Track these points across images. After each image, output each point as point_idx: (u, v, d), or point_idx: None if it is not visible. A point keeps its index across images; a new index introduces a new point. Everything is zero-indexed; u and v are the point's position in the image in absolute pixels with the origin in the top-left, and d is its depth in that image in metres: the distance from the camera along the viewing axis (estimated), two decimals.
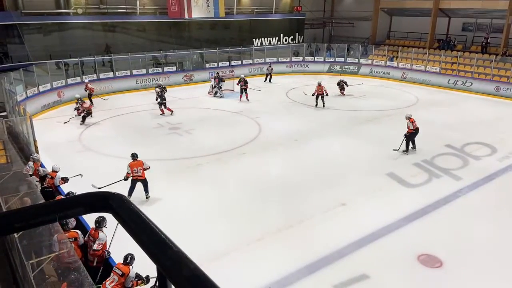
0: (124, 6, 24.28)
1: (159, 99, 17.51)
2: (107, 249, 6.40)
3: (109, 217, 1.49)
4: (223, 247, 7.97)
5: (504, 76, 21.52)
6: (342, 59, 28.02)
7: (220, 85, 21.51)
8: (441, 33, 26.95)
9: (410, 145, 12.99)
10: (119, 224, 1.32)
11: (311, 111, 18.47)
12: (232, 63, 26.32)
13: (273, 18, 30.23)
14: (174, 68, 24.40)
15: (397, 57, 26.25)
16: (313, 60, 28.43)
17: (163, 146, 13.78)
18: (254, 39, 29.15)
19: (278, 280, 7.05)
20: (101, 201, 1.44)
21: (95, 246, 6.19)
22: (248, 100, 19.81)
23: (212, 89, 21.63)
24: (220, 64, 25.85)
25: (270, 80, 24.67)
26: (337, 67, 27.82)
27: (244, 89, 19.92)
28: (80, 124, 15.87)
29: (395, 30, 30.07)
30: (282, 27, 30.30)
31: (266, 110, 18.43)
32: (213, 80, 22.02)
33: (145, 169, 9.60)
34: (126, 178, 9.56)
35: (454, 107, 19.16)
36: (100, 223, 6.38)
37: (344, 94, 21.26)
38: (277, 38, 30.12)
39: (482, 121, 16.76)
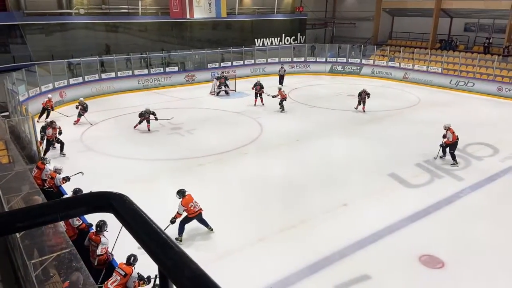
0: (126, 7, 24.31)
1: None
2: (110, 252, 6.39)
3: (111, 219, 1.49)
4: (225, 247, 7.97)
5: (506, 76, 21.47)
6: (344, 60, 28.00)
7: (226, 83, 21.58)
8: (443, 33, 26.89)
9: (446, 152, 12.25)
10: (122, 227, 1.32)
11: (313, 112, 18.45)
12: (234, 63, 26.34)
13: (275, 18, 30.22)
14: (176, 68, 24.43)
15: (398, 58, 26.21)
16: (315, 60, 28.41)
17: (164, 146, 13.79)
18: (255, 39, 29.15)
19: (280, 280, 7.05)
20: (103, 201, 1.45)
21: (98, 251, 6.16)
22: (263, 104, 19.05)
23: (216, 88, 21.67)
24: (222, 64, 25.87)
25: (282, 82, 23.35)
26: (339, 68, 27.80)
27: (259, 94, 19.08)
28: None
29: (397, 31, 30.02)
30: (283, 28, 30.29)
31: (267, 110, 18.42)
32: (215, 80, 22.03)
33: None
34: (173, 221, 8.02)
35: (456, 108, 19.10)
36: (101, 227, 6.33)
37: (365, 111, 17.74)
38: (278, 38, 30.11)
39: (484, 121, 16.71)
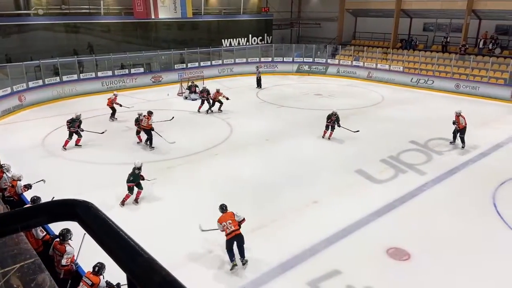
0: (87, 7, 23.56)
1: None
2: (74, 261, 6.16)
3: (76, 228, 1.44)
4: (197, 249, 7.90)
5: (463, 74, 22.54)
6: (310, 59, 28.45)
7: (196, 91, 21.33)
8: (403, 33, 27.87)
9: (456, 137, 13.74)
10: (86, 234, 1.28)
11: (281, 111, 18.63)
12: (201, 64, 26.14)
13: (241, 19, 30.25)
14: (142, 70, 23.95)
15: (362, 57, 26.93)
16: (282, 60, 28.70)
17: (132, 150, 13.48)
18: (223, 40, 29.06)
19: (253, 280, 7.07)
20: (67, 209, 1.39)
21: (63, 261, 5.91)
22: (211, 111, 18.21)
23: (184, 91, 21.44)
24: (189, 65, 25.62)
25: (260, 85, 23.18)
26: (306, 67, 28.22)
27: (206, 99, 18.16)
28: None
29: (360, 31, 30.82)
30: (250, 28, 30.38)
31: (236, 110, 18.42)
32: (186, 90, 21.73)
33: (239, 223, 7.39)
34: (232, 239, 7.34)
35: (418, 105, 19.86)
36: (64, 236, 6.07)
37: (330, 138, 14.52)
38: (245, 38, 30.16)
39: (444, 117, 17.38)
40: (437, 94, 22.34)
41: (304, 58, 28.62)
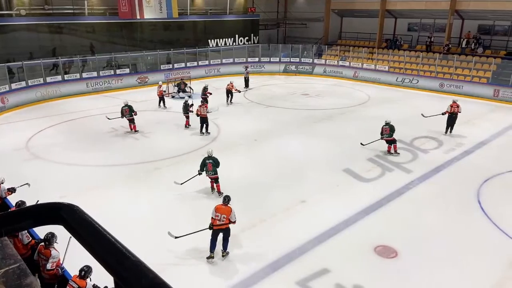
0: (71, 7, 23.21)
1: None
2: (60, 265, 6.05)
3: (62, 231, 1.41)
4: (186, 250, 7.86)
5: (447, 73, 22.92)
6: (297, 59, 28.58)
7: (185, 89, 21.28)
8: (388, 33, 28.20)
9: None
10: (71, 238, 1.26)
11: (269, 111, 18.65)
12: (188, 64, 26.02)
13: (228, 19, 30.19)
14: (127, 70, 23.70)
15: (348, 57, 27.16)
16: (269, 60, 28.75)
17: (118, 151, 13.33)
18: (209, 40, 28.96)
19: (243, 280, 7.06)
20: (52, 212, 1.37)
21: (48, 266, 5.79)
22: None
23: (174, 93, 21.38)
24: (176, 65, 25.47)
25: (247, 85, 23.13)
26: (293, 67, 28.32)
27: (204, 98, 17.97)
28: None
29: (346, 31, 31.07)
30: (237, 28, 30.34)
31: (224, 111, 18.37)
32: (173, 86, 21.68)
33: (230, 221, 7.49)
34: (211, 227, 7.50)
35: (403, 104, 20.12)
36: (49, 240, 5.96)
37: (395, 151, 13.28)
38: (232, 39, 30.12)
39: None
40: (422, 93, 22.67)
41: (291, 58, 28.74)
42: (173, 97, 21.06)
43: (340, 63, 27.21)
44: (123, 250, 1.09)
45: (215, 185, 10.24)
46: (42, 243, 6.10)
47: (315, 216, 9.23)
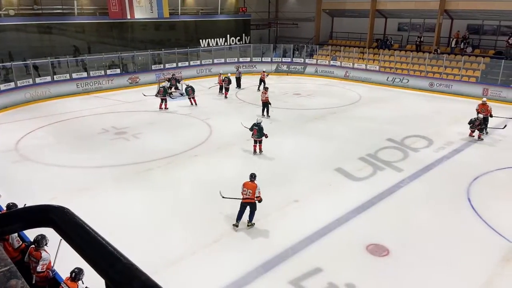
0: (61, 7, 22.97)
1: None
2: (51, 268, 5.98)
3: (53, 233, 1.40)
4: (179, 252, 7.83)
5: (437, 72, 23.15)
6: (289, 59, 28.64)
7: (176, 85, 21.28)
8: (379, 33, 28.39)
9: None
10: (62, 240, 1.24)
11: (261, 111, 18.62)
12: (179, 64, 25.91)
13: (219, 19, 30.14)
14: (118, 71, 23.53)
15: (339, 57, 27.29)
16: (260, 60, 28.76)
17: (109, 152, 13.23)
18: (200, 40, 28.88)
19: (236, 280, 7.05)
20: (41, 215, 1.36)
21: (39, 268, 5.73)
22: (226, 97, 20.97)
23: (170, 90, 21.35)
24: (167, 65, 25.35)
25: (239, 86, 23.20)
26: (284, 67, 28.37)
27: (227, 88, 21.02)
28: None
29: (337, 31, 31.22)
30: (228, 28, 30.30)
31: (216, 111, 18.35)
32: (166, 82, 21.57)
33: (256, 196, 8.41)
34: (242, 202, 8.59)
35: (394, 103, 20.28)
36: (39, 242, 5.88)
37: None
38: (223, 39, 30.07)
39: (419, 115, 17.90)
40: (412, 92, 22.87)
41: (283, 58, 28.79)
42: (170, 94, 21.10)
43: (331, 63, 27.33)
44: (114, 253, 1.08)
45: (257, 146, 12.79)
46: (33, 245, 6.03)
47: (308, 215, 9.26)
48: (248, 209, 8.56)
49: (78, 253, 1.17)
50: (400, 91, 23.17)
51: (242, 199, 8.52)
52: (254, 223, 8.68)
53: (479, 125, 14.13)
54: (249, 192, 8.42)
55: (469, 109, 18.89)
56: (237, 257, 7.71)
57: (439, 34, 24.77)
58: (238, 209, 8.56)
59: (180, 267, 7.43)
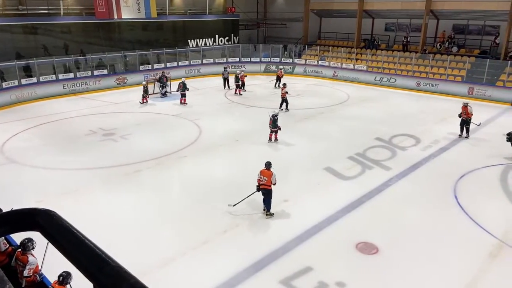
0: (46, 7, 22.64)
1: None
2: (39, 271, 5.89)
3: (40, 236, 1.38)
4: (169, 253, 7.79)
5: (423, 72, 23.45)
6: (278, 59, 28.71)
7: (166, 84, 21.24)
8: (366, 33, 28.63)
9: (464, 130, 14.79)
10: (49, 244, 1.22)
11: (250, 111, 18.67)
12: (168, 64, 25.77)
13: (207, 19, 30.05)
14: (106, 71, 23.28)
15: (328, 57, 27.45)
16: (249, 60, 28.76)
17: (97, 154, 13.09)
18: (189, 40, 28.76)
19: (226, 281, 7.04)
20: (28, 218, 1.34)
21: (25, 273, 5.63)
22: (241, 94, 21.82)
23: (159, 89, 21.38)
24: (155, 66, 25.18)
25: (228, 86, 23.23)
26: (273, 67, 28.42)
27: (237, 85, 21.81)
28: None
29: (325, 31, 31.39)
30: (217, 28, 30.23)
31: (205, 111, 18.30)
32: (156, 82, 21.51)
33: (272, 183, 8.92)
34: (258, 189, 9.04)
35: (381, 102, 20.48)
36: (25, 246, 5.79)
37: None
38: (212, 39, 29.99)
39: (406, 114, 18.11)
40: (400, 91, 23.12)
41: (272, 58, 28.85)
42: (164, 94, 21.19)
43: (320, 63, 27.48)
44: (102, 256, 1.07)
45: (273, 135, 14.06)
46: (20, 249, 5.94)
47: (298, 215, 9.29)
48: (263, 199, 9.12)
49: (66, 257, 1.16)
50: (388, 91, 23.41)
51: (258, 185, 9.02)
52: (273, 214, 9.10)
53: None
54: (265, 179, 8.92)
55: (455, 108, 19.18)
56: (227, 257, 7.69)
57: (425, 34, 25.09)
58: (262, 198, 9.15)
59: (170, 268, 7.39)
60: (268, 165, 9.16)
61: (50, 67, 21.22)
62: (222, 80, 23.37)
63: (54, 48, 22.55)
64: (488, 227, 8.69)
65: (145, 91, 19.92)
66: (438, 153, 13.24)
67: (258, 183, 9.06)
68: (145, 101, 19.78)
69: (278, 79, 23.56)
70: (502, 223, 8.92)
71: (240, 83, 21.98)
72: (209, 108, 19.11)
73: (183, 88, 19.41)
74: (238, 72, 23.26)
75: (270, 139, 14.09)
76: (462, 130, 14.79)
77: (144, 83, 20.26)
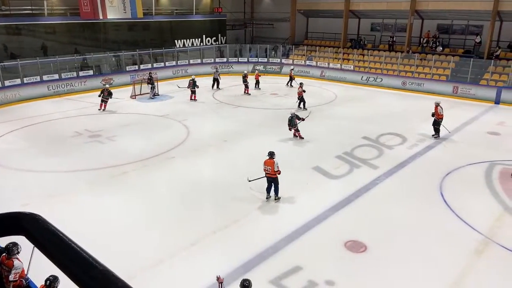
0: (30, 7, 22.24)
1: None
2: (25, 276, 5.79)
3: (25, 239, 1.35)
4: (157, 255, 7.72)
5: (409, 71, 23.75)
6: (265, 59, 28.74)
7: (154, 85, 21.15)
8: (352, 33, 28.87)
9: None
10: (35, 248, 1.20)
11: (238, 111, 18.65)
12: (155, 65, 25.58)
13: (194, 19, 29.91)
14: (91, 72, 22.98)
15: (315, 57, 27.59)
16: (237, 60, 28.74)
17: (83, 156, 12.91)
18: (176, 41, 28.58)
19: (215, 283, 7.00)
20: (12, 222, 1.31)
21: (11, 277, 5.53)
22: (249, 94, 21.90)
23: (151, 90, 21.27)
24: (142, 66, 24.97)
25: (218, 86, 23.24)
26: (261, 67, 28.45)
27: (246, 84, 21.91)
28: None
29: (312, 31, 31.55)
30: (204, 28, 30.11)
31: (193, 112, 18.22)
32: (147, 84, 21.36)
33: (275, 171, 9.50)
34: (265, 175, 9.76)
35: (368, 102, 20.68)
36: (10, 251, 5.68)
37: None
38: (199, 39, 29.87)
39: (393, 113, 18.32)
40: (386, 91, 23.38)
41: (259, 58, 28.87)
42: (154, 95, 21.06)
43: (307, 62, 27.60)
44: (89, 259, 1.06)
45: (297, 133, 14.33)
46: (4, 254, 5.82)
47: (287, 214, 9.32)
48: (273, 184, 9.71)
49: (52, 261, 1.14)
50: (375, 90, 23.64)
51: (265, 175, 9.65)
52: (280, 197, 9.81)
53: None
54: (269, 169, 9.50)
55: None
56: (216, 258, 7.67)
57: (411, 34, 25.42)
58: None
59: (159, 270, 7.33)
60: (270, 154, 9.63)
61: (34, 68, 20.87)
62: (208, 81, 23.32)
63: (39, 49, 22.18)
64: (473, 223, 8.85)
65: (193, 83, 20.37)
66: (424, 151, 13.42)
67: (265, 172, 9.61)
68: (194, 98, 20.47)
69: (291, 78, 24.13)
70: (487, 220, 9.09)
71: (248, 82, 22.08)
72: (196, 108, 19.03)
73: (193, 85, 20.13)
74: (216, 72, 23.57)
75: (294, 135, 14.47)
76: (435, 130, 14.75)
77: (107, 86, 19.70)
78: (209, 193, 10.45)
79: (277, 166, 9.50)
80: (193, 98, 20.41)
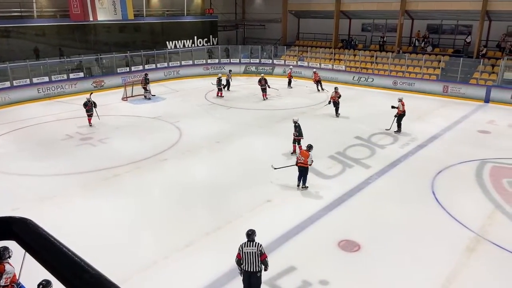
0: (19, 9, 22.01)
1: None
2: (17, 281, 5.72)
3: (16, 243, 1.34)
4: (151, 257, 7.69)
5: (400, 71, 23.94)
6: (257, 60, 28.76)
7: (147, 87, 21.06)
8: (344, 33, 29.02)
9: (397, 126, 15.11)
10: (26, 253, 1.19)
11: (231, 112, 18.63)
12: (146, 67, 25.46)
13: (186, 21, 29.83)
14: (82, 74, 22.80)
15: (307, 57, 27.68)
16: (229, 61, 28.72)
17: (74, 159, 12.80)
18: (167, 42, 28.48)
19: (210, 283, 7.00)
20: (2, 227, 1.29)
21: (2, 282, 5.47)
22: (267, 98, 21.08)
23: (145, 92, 21.19)
24: (133, 68, 24.84)
25: (228, 88, 22.91)
26: (253, 68, 28.47)
27: (263, 88, 20.95)
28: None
29: (303, 32, 31.65)
30: (195, 30, 30.05)
31: (185, 113, 18.16)
32: (129, 88, 21.25)
33: (307, 162, 10.11)
34: (296, 164, 10.37)
35: (360, 101, 20.79)
36: (1, 255, 5.61)
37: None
38: (191, 40, 29.80)
39: (384, 112, 18.36)
40: (377, 91, 23.52)
41: (251, 59, 28.87)
42: (147, 97, 21.06)
43: (299, 63, 27.67)
44: (81, 263, 1.05)
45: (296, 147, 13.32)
46: None
47: (280, 214, 9.33)
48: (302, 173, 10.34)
49: (43, 266, 1.12)
50: (366, 90, 23.78)
51: (297, 163, 10.31)
52: (307, 186, 10.43)
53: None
54: (302, 159, 10.18)
55: (431, 106, 19.69)
56: (210, 259, 7.65)
57: (401, 34, 25.62)
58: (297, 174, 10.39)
59: (152, 272, 7.30)
60: (309, 147, 10.26)
61: (24, 71, 20.65)
62: (200, 82, 23.30)
63: (28, 52, 21.95)
64: (465, 221, 8.94)
65: (219, 81, 21.33)
66: (416, 150, 13.53)
67: (297, 160, 10.31)
68: (220, 95, 21.33)
69: (318, 82, 22.90)
70: (479, 217, 9.19)
71: (265, 86, 20.89)
72: (189, 110, 18.97)
73: (219, 82, 21.15)
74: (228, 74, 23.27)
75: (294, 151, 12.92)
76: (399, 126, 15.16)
77: (89, 97, 16.19)
78: (202, 194, 10.42)
79: (311, 160, 10.17)
80: (219, 95, 21.42)
